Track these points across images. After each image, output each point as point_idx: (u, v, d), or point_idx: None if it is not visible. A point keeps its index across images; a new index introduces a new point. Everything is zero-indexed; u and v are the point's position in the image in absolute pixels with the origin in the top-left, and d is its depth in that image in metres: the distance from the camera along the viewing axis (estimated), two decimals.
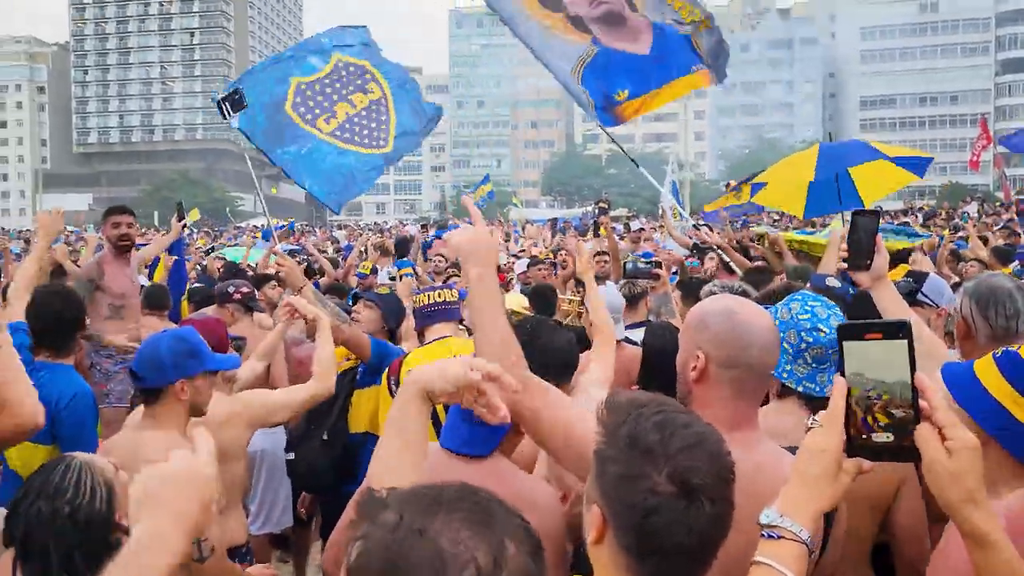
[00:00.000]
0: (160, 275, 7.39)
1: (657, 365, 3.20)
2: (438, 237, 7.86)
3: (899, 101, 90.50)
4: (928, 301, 3.57)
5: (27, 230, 36.08)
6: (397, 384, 3.44)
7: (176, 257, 7.36)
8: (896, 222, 16.06)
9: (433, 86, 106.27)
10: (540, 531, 2.20)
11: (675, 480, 1.22)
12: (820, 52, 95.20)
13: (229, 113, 5.53)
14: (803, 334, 2.18)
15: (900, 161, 6.65)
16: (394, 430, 1.57)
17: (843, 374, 1.23)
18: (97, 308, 5.22)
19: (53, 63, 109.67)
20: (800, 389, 2.18)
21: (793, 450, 1.83)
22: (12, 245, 15.73)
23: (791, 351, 2.21)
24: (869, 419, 1.21)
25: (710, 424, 1.33)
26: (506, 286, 7.72)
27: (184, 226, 7.52)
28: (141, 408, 2.80)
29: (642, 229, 17.17)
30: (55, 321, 3.40)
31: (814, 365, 2.18)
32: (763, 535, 1.23)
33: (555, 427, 1.76)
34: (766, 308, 2.30)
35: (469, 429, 2.15)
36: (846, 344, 1.22)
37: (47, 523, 1.73)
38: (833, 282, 4.13)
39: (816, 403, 2.13)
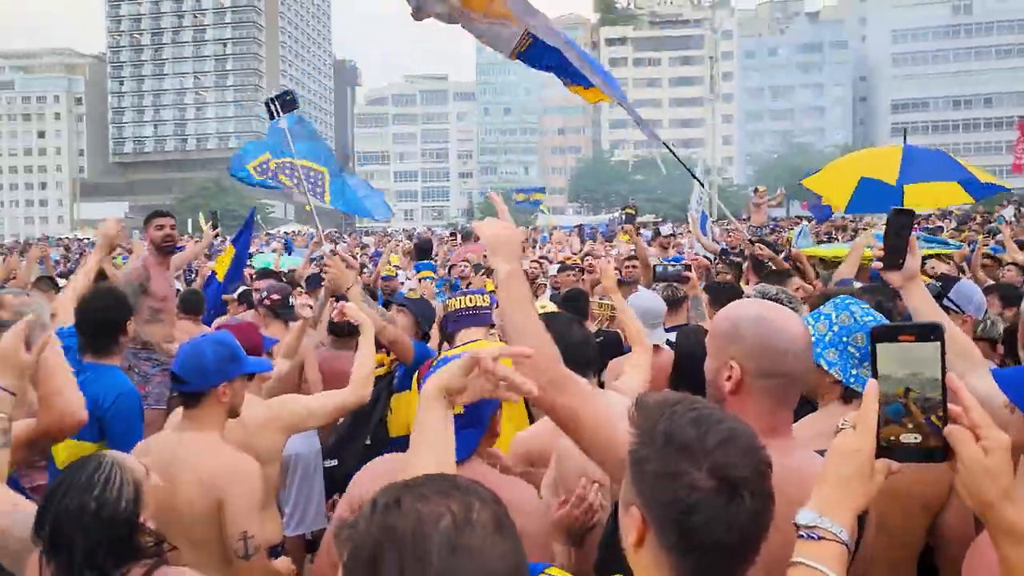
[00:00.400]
0: (199, 283, 7.66)
1: (688, 368, 3.13)
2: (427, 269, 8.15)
3: (932, 104, 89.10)
4: (954, 307, 3.48)
5: (65, 237, 36.88)
6: None
7: (219, 259, 7.68)
8: (929, 225, 15.78)
9: (460, 93, 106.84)
10: (522, 532, 2.28)
11: (715, 475, 1.21)
12: (850, 55, 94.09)
13: (278, 113, 5.87)
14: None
15: (967, 182, 6.41)
16: (419, 438, 1.62)
17: (875, 375, 1.23)
18: (138, 311, 5.20)
19: (90, 74, 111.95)
20: (859, 389, 2.11)
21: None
22: (52, 252, 16.18)
23: (857, 355, 2.16)
24: (898, 420, 1.22)
25: (740, 419, 1.33)
26: (534, 291, 7.84)
27: (216, 233, 7.77)
28: (180, 410, 2.83)
29: (672, 235, 17.16)
30: (102, 322, 3.45)
31: (859, 363, 2.14)
32: (801, 536, 1.23)
33: (596, 424, 1.75)
34: (816, 314, 2.32)
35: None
36: (879, 346, 1.23)
37: (74, 518, 1.76)
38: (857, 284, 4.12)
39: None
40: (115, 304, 3.55)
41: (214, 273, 7.45)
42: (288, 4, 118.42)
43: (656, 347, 3.71)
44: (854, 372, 2.15)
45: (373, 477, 2.22)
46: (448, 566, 0.97)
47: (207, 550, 2.49)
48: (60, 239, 34.04)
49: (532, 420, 3.46)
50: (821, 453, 1.88)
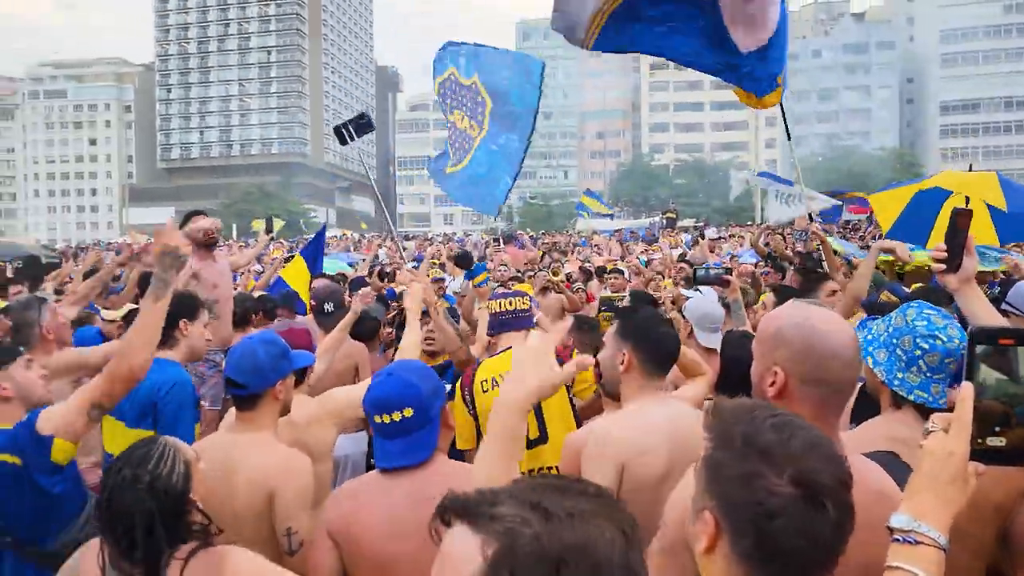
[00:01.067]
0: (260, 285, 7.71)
1: (735, 374, 3.13)
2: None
3: (982, 106, 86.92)
4: (1014, 310, 3.39)
5: (115, 242, 37.77)
6: (471, 395, 3.43)
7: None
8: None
9: None
10: None
11: (797, 482, 1.17)
12: (898, 56, 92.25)
13: (352, 137, 5.81)
14: (919, 340, 2.10)
15: None
16: (498, 448, 1.56)
17: (970, 377, 1.21)
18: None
19: (139, 83, 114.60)
20: (911, 398, 2.10)
21: (877, 458, 1.82)
22: (104, 255, 16.49)
23: (904, 358, 2.13)
24: (990, 421, 1.21)
25: (820, 430, 1.28)
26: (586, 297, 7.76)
27: (271, 238, 7.86)
28: (233, 411, 2.84)
29: (720, 237, 16.93)
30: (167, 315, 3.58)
31: (928, 374, 2.08)
32: (896, 540, 1.21)
33: None
34: (875, 318, 2.33)
35: (402, 442, 2.15)
36: (978, 348, 1.21)
37: (128, 487, 1.84)
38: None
39: (930, 414, 2.07)
40: (176, 297, 3.61)
41: (281, 279, 7.37)
42: (331, 12, 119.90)
43: (712, 352, 3.66)
44: (899, 376, 2.12)
45: (336, 505, 2.27)
46: None
47: (261, 546, 2.49)
48: (110, 244, 34.84)
49: (575, 417, 3.44)
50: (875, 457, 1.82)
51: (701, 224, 34.18)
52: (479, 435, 3.40)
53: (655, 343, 2.63)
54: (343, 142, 5.91)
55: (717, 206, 66.63)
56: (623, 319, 2.79)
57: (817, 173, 60.29)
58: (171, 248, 2.59)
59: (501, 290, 3.66)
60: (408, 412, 2.15)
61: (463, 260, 8.07)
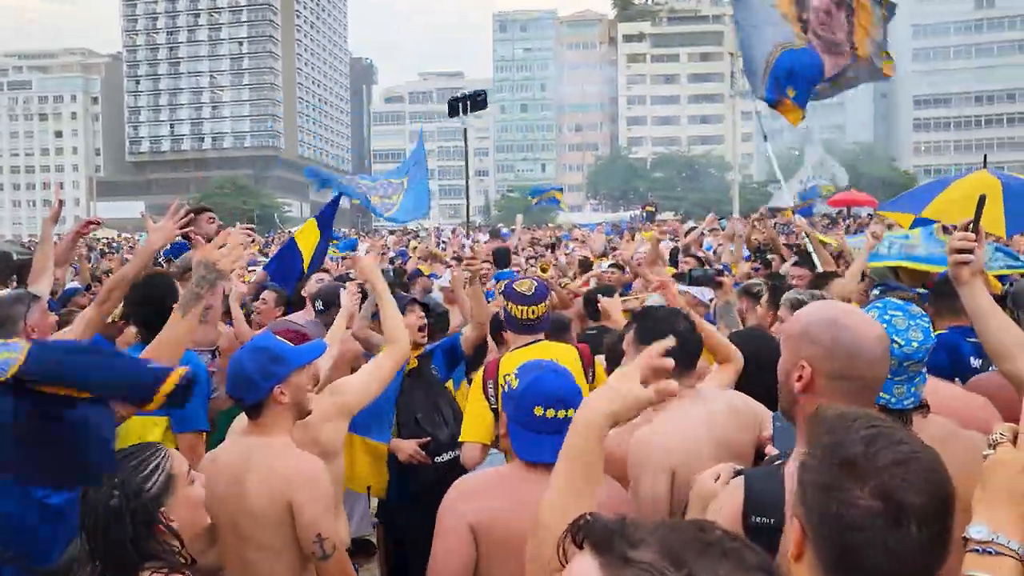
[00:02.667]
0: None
1: (752, 372, 3.11)
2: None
3: (954, 100, 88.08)
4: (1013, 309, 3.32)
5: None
6: (495, 388, 3.45)
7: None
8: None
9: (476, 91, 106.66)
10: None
11: (879, 495, 1.15)
12: None
13: (465, 111, 6.78)
14: None
15: None
16: (579, 464, 1.52)
17: None
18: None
19: (106, 74, 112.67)
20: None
21: None
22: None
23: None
24: None
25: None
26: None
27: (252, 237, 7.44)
28: (243, 416, 2.83)
29: (692, 227, 16.58)
30: (158, 306, 3.45)
31: (889, 376, 1.98)
32: (975, 551, 1.21)
33: None
34: None
35: (558, 439, 1.92)
36: None
37: (99, 488, 1.81)
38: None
39: (893, 415, 1.99)
40: (166, 287, 3.65)
41: (293, 240, 6.92)
42: (304, 2, 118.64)
43: None
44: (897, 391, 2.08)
45: (472, 496, 2.28)
46: None
47: (279, 553, 2.51)
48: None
49: None
50: None
51: (681, 218, 34.11)
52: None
53: (678, 343, 2.46)
54: (452, 114, 6.32)
55: (695, 199, 66.85)
56: (640, 323, 2.80)
57: (792, 167, 60.57)
58: (212, 261, 2.55)
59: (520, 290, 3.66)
60: (571, 412, 2.03)
61: (502, 256, 8.03)
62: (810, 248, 6.31)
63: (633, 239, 15.93)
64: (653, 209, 32.69)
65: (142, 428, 3.36)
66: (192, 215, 5.15)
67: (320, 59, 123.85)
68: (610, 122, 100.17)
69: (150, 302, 3.52)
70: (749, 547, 0.85)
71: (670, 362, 1.52)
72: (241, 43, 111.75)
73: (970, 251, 2.21)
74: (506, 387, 2.87)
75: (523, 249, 13.65)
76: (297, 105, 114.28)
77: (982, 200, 2.30)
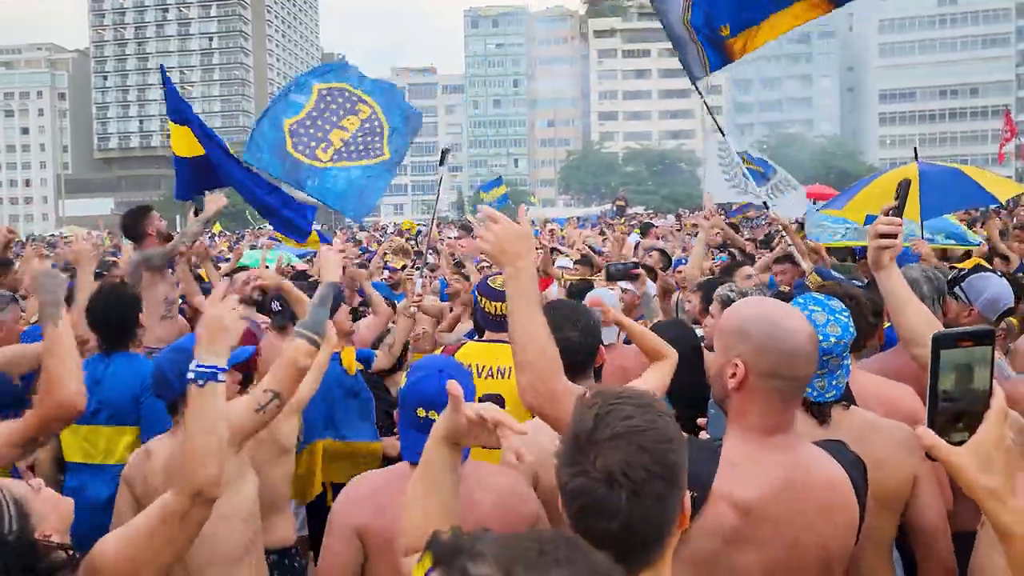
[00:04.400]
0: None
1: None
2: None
3: (919, 94, 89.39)
4: (962, 296, 3.32)
5: (51, 235, 36.51)
6: None
7: None
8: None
9: (448, 86, 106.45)
10: (530, 517, 2.21)
11: (599, 467, 1.24)
12: (838, 46, 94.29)
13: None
14: None
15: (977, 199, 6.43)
16: (428, 480, 1.64)
17: (934, 380, 1.28)
18: (154, 307, 5.03)
19: (73, 69, 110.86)
20: None
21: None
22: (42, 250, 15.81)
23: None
24: (953, 419, 1.29)
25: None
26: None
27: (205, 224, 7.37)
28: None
29: (652, 224, 16.82)
30: (119, 318, 3.70)
31: None
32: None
33: None
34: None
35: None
36: (943, 352, 1.28)
37: None
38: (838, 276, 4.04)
39: (814, 408, 2.14)
40: (127, 300, 3.80)
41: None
42: None
43: (610, 346, 3.59)
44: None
45: (359, 500, 2.24)
46: None
47: None
48: (45, 237, 33.66)
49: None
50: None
51: (651, 214, 34.49)
52: None
53: (562, 344, 2.59)
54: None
55: (666, 193, 67.35)
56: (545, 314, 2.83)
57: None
58: (42, 271, 2.46)
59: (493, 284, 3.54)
60: (433, 414, 2.13)
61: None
62: (789, 242, 6.29)
63: (602, 234, 16.23)
64: (624, 204, 32.96)
65: (108, 441, 3.51)
66: (143, 216, 5.38)
67: (291, 54, 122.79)
68: (582, 117, 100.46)
69: (111, 314, 3.65)
70: (588, 553, 0.89)
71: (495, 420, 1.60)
72: (211, 38, 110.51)
73: (894, 236, 2.22)
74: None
75: None
76: (268, 101, 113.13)
77: (906, 185, 2.30)
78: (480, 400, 3.21)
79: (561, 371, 1.85)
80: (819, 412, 2.14)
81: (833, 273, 4.10)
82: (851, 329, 2.14)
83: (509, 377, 2.81)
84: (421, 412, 2.19)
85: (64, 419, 2.34)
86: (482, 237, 1.90)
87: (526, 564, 0.85)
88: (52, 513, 1.66)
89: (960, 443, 1.27)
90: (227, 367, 2.06)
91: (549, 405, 1.83)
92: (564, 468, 1.28)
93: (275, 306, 4.86)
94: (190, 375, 1.99)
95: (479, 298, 3.59)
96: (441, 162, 6.23)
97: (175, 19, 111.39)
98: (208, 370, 1.98)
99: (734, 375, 1.71)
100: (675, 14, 5.82)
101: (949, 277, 3.42)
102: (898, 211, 2.26)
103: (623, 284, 4.76)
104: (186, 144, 6.42)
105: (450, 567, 0.86)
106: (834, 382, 2.12)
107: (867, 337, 2.84)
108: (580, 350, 2.67)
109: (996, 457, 1.25)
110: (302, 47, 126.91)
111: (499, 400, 3.21)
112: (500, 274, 3.62)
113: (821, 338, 2.03)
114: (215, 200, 5.55)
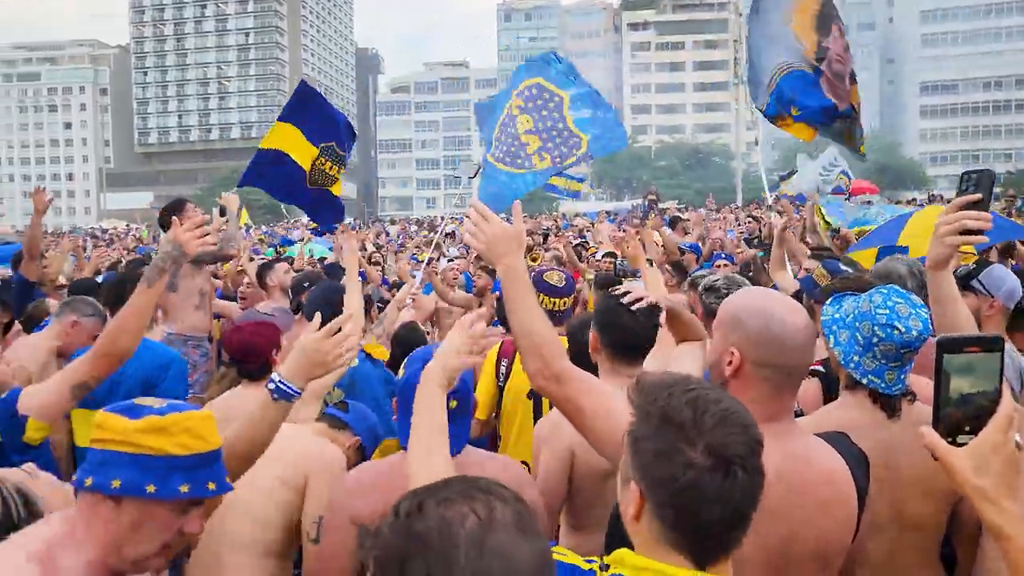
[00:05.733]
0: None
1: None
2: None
3: (961, 87, 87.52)
4: (982, 289, 3.34)
5: (92, 228, 37.32)
6: (508, 368, 3.49)
7: None
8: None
9: (481, 80, 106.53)
10: (530, 504, 2.30)
11: (710, 453, 1.26)
12: (878, 37, 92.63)
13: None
14: (876, 328, 2.10)
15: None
16: (426, 419, 1.84)
17: (939, 384, 1.30)
18: (189, 297, 5.19)
19: (115, 65, 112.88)
20: (865, 382, 2.13)
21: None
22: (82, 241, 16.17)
23: (862, 342, 2.14)
24: (960, 422, 1.30)
25: (736, 399, 1.38)
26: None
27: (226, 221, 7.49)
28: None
29: (680, 217, 16.78)
30: None
31: (883, 361, 2.11)
32: None
33: (596, 415, 1.83)
34: (848, 294, 2.34)
35: None
36: (946, 356, 1.29)
37: None
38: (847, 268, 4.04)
39: (883, 400, 2.13)
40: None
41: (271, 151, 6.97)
42: None
43: None
44: (855, 359, 2.15)
45: (359, 490, 2.26)
46: (476, 568, 0.99)
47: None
48: (87, 230, 34.40)
49: (537, 409, 3.43)
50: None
51: (681, 208, 34.23)
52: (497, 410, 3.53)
53: (619, 330, 2.63)
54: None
55: (698, 188, 66.81)
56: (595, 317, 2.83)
57: (796, 154, 60.40)
58: (179, 243, 2.60)
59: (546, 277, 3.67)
60: (453, 404, 2.15)
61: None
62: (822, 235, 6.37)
63: (635, 228, 16.18)
64: (655, 198, 32.79)
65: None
66: (178, 209, 5.49)
67: (326, 49, 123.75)
68: (615, 111, 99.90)
69: (127, 298, 3.71)
70: (461, 477, 1.15)
71: (480, 328, 1.96)
72: (247, 34, 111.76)
73: (981, 232, 2.04)
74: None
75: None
76: None
77: (990, 176, 2.05)
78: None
79: (564, 353, 1.92)
80: (888, 405, 2.14)
81: (841, 267, 4.06)
82: (931, 325, 2.12)
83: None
84: None
85: (115, 366, 2.55)
86: (472, 234, 2.00)
87: (412, 497, 1.08)
88: (54, 495, 1.72)
89: (963, 446, 1.29)
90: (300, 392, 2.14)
91: (557, 386, 1.88)
92: (664, 460, 1.27)
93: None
94: (271, 386, 2.08)
95: (536, 294, 3.64)
96: (473, 176, 6.59)
97: (213, 15, 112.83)
98: (288, 391, 2.08)
99: (730, 363, 1.76)
100: (768, 57, 6.98)
101: (959, 272, 3.36)
102: (984, 204, 2.05)
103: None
104: (284, 141, 6.76)
105: (377, 528, 1.07)
106: (902, 376, 2.13)
107: None
108: (640, 334, 2.62)
109: (993, 460, 1.27)
110: (336, 42, 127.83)
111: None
112: (553, 270, 3.78)
113: (904, 330, 2.06)
114: (229, 200, 5.96)
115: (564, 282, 3.67)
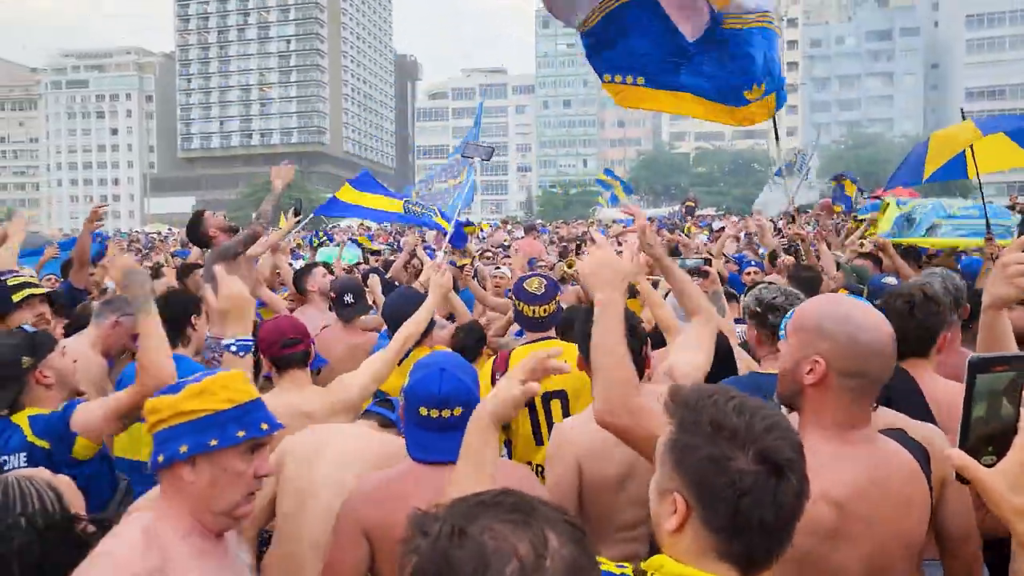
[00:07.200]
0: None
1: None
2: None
3: (1008, 92, 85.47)
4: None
5: (136, 231, 38.03)
6: None
7: None
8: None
9: (519, 87, 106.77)
10: None
11: (762, 459, 1.26)
12: (922, 42, 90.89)
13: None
14: None
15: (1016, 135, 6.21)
16: (472, 458, 1.71)
17: (968, 405, 1.30)
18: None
19: (160, 72, 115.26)
20: None
21: None
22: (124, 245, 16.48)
23: None
24: (983, 442, 1.32)
25: (770, 404, 1.38)
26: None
27: (298, 222, 7.56)
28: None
29: (722, 228, 16.66)
30: (172, 316, 3.58)
31: None
32: None
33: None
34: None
35: (448, 438, 2.12)
36: (978, 377, 1.29)
37: (6, 540, 1.61)
38: (891, 280, 3.95)
39: None
40: (181, 301, 3.75)
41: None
42: (351, 1, 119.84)
43: None
44: None
45: (367, 499, 2.23)
46: None
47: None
48: (130, 233, 35.07)
49: (533, 416, 3.42)
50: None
51: (719, 214, 33.86)
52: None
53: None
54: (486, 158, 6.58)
55: (737, 194, 66.14)
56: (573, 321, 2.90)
57: (839, 161, 59.59)
58: (126, 270, 2.63)
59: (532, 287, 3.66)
60: (458, 411, 2.18)
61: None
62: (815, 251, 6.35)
63: (672, 234, 16.08)
64: (693, 204, 32.48)
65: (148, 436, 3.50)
66: (194, 223, 5.41)
67: (366, 56, 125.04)
68: (653, 117, 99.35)
69: (163, 314, 3.69)
70: (521, 500, 1.03)
71: (553, 364, 1.71)
72: (289, 41, 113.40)
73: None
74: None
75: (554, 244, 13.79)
76: (343, 102, 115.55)
77: None
78: (544, 396, 3.33)
79: (637, 390, 1.91)
80: None
81: (884, 282, 3.99)
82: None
83: (582, 370, 2.84)
84: (423, 410, 2.21)
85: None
86: (583, 263, 2.02)
87: (461, 513, 1.01)
88: (75, 496, 1.81)
89: (989, 466, 1.29)
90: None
91: (628, 417, 1.89)
92: (717, 468, 1.26)
93: (347, 299, 5.01)
94: (233, 347, 2.35)
95: (516, 302, 3.69)
96: (487, 158, 6.55)
97: (255, 23, 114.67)
98: (248, 343, 2.36)
99: (811, 371, 1.73)
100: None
101: None
102: None
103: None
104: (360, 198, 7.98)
105: (418, 531, 1.01)
106: None
107: (938, 336, 2.80)
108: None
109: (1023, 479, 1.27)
110: (376, 49, 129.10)
111: (563, 394, 3.36)
112: (534, 276, 3.78)
113: None
114: (281, 173, 5.57)
115: (544, 288, 3.66)
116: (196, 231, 5.37)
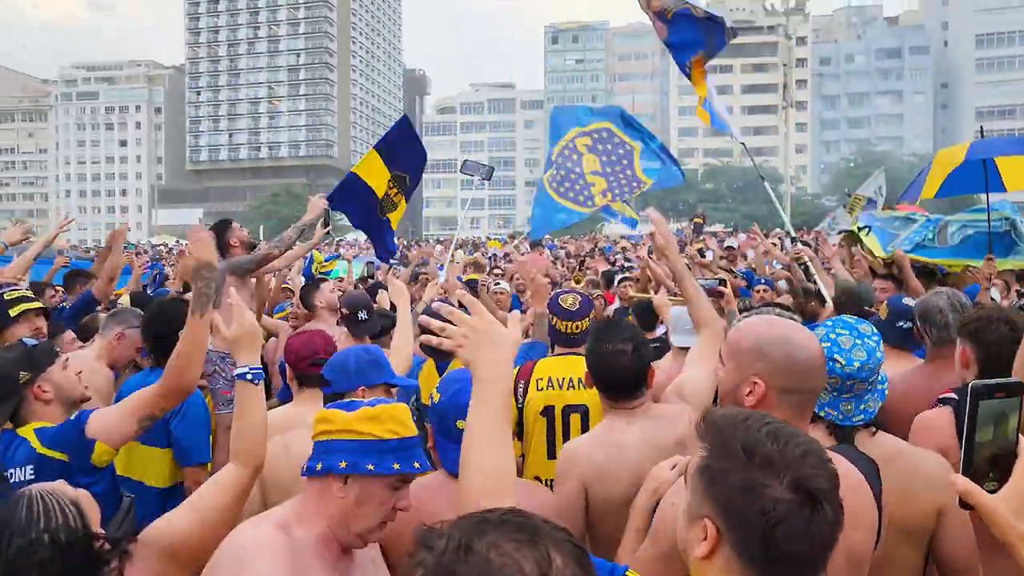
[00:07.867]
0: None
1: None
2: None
3: (1019, 111, 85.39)
4: None
5: (143, 243, 38.04)
6: (525, 388, 3.52)
7: None
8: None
9: (527, 102, 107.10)
10: None
11: (796, 487, 1.23)
12: (931, 61, 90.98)
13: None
14: None
15: None
16: (496, 423, 1.62)
17: (971, 429, 1.31)
18: (231, 313, 5.10)
19: (169, 85, 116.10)
20: (822, 415, 2.15)
21: None
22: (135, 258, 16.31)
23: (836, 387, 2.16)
24: (985, 467, 1.33)
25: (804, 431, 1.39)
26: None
27: (327, 232, 7.33)
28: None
29: (732, 247, 16.51)
30: (168, 332, 3.49)
31: (834, 393, 2.14)
32: None
33: None
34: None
35: None
36: (981, 403, 1.31)
37: (28, 555, 1.63)
38: (910, 301, 3.90)
39: (841, 431, 2.14)
40: (180, 315, 3.56)
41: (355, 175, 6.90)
42: (360, 15, 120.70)
43: (683, 349, 3.77)
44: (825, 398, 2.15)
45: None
46: None
47: None
48: (138, 244, 35.06)
49: (550, 425, 3.43)
50: None
51: (728, 231, 33.71)
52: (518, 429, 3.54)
53: (606, 371, 2.72)
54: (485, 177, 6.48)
55: (746, 211, 66.02)
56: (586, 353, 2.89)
57: (848, 179, 59.42)
58: (204, 263, 2.66)
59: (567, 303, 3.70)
60: (461, 425, 2.14)
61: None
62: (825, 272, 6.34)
63: (681, 251, 15.92)
64: (701, 221, 32.35)
65: (146, 457, 3.43)
66: (220, 229, 5.39)
67: (375, 70, 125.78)
68: (661, 133, 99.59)
69: (162, 329, 3.55)
70: (530, 520, 1.03)
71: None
72: (298, 55, 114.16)
73: None
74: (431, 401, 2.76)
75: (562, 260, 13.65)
76: (351, 115, 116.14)
77: None
78: (564, 410, 3.38)
79: (510, 493, 1.58)
80: (843, 435, 2.14)
81: (904, 302, 3.86)
82: (878, 354, 2.13)
83: (590, 387, 2.89)
84: (460, 424, 2.15)
85: (179, 398, 2.69)
86: (447, 333, 1.67)
87: (466, 529, 1.00)
88: (93, 510, 1.81)
89: (992, 492, 1.30)
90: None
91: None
92: (751, 495, 1.23)
93: (361, 315, 5.04)
94: (248, 376, 2.25)
95: (550, 316, 3.77)
96: (487, 177, 6.61)
97: (265, 37, 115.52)
98: (260, 372, 2.30)
99: (751, 392, 1.77)
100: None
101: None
102: None
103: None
104: (366, 167, 6.86)
105: (423, 546, 1.01)
106: (862, 406, 2.14)
107: None
108: (633, 369, 2.70)
109: None
110: (385, 63, 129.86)
111: (584, 409, 3.36)
112: (569, 293, 3.79)
113: (844, 362, 2.09)
114: (316, 208, 5.75)
115: (578, 305, 3.71)
116: (219, 238, 5.35)
